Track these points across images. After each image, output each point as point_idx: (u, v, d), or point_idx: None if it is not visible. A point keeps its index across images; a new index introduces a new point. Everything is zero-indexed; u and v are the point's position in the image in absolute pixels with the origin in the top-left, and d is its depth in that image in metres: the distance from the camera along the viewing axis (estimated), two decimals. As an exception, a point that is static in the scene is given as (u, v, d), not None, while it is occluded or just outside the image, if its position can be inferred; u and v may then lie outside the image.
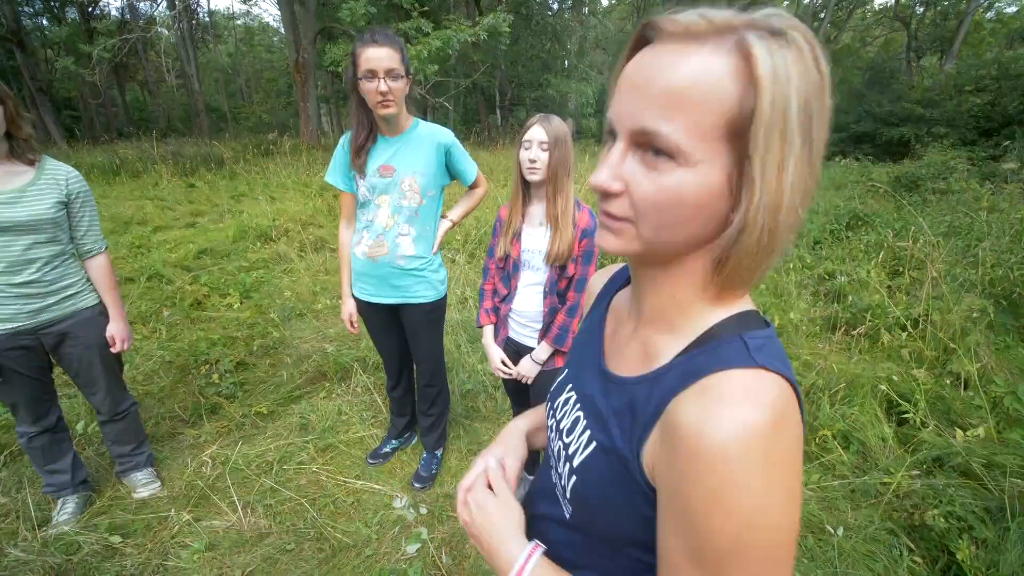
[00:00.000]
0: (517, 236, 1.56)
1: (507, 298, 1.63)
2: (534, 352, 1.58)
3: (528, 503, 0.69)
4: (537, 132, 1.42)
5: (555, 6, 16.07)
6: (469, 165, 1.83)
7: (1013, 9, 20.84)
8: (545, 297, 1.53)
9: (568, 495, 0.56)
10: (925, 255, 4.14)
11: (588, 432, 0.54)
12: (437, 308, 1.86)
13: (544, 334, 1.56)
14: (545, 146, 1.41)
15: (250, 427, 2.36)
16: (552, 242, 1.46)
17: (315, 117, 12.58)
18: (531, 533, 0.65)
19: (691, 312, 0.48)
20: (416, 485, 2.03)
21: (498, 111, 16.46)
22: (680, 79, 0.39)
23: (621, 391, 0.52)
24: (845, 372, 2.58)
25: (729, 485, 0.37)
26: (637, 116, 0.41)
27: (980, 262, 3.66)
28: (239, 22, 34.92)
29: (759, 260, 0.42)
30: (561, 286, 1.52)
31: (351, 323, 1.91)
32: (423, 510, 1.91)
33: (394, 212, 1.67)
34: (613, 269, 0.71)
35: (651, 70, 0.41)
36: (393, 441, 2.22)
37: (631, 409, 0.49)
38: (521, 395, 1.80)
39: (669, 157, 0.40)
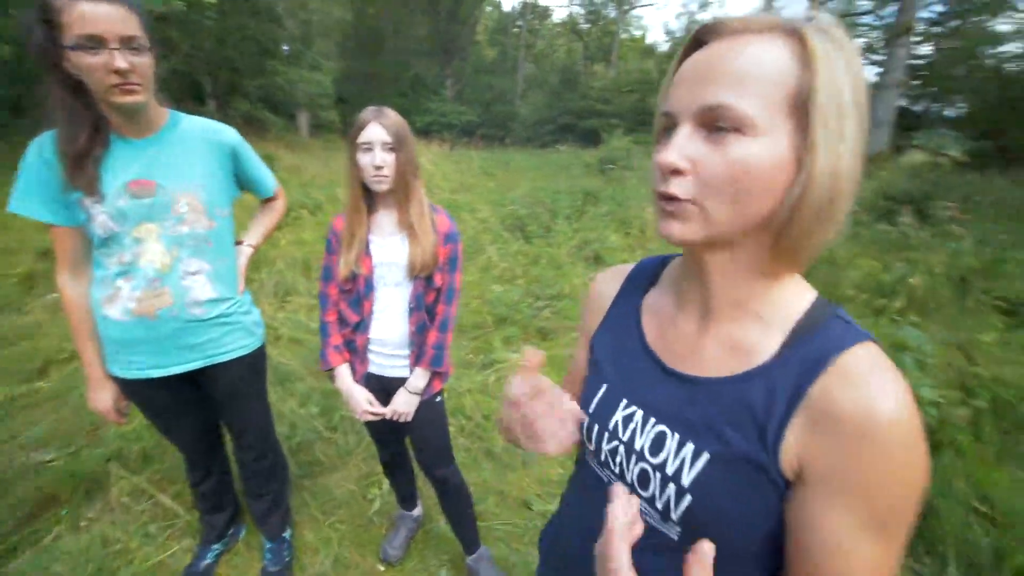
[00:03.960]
0: (366, 251, 1.31)
1: (361, 325, 1.37)
2: (408, 383, 1.37)
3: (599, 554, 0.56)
4: (376, 132, 1.19)
5: (263, -19, 14.06)
6: (265, 172, 1.44)
7: (638, 32, 28.74)
8: (411, 314, 1.34)
9: (677, 516, 0.51)
10: (643, 219, 5.40)
11: (691, 444, 0.50)
12: (259, 359, 1.44)
13: (417, 358, 1.37)
14: (389, 147, 1.20)
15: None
16: (413, 252, 1.27)
17: None
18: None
19: (771, 298, 0.50)
20: (269, 587, 1.57)
21: (211, 100, 13.68)
22: (745, 60, 0.43)
23: (720, 393, 0.50)
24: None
25: (910, 455, 0.42)
26: (702, 96, 0.44)
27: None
28: None
29: (820, 227, 0.44)
30: (429, 299, 1.35)
31: (117, 412, 1.31)
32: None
33: (170, 245, 1.18)
34: (622, 270, 0.67)
35: (714, 59, 0.44)
36: (214, 546, 1.66)
37: (748, 408, 0.47)
38: (392, 434, 1.56)
39: (735, 131, 0.43)
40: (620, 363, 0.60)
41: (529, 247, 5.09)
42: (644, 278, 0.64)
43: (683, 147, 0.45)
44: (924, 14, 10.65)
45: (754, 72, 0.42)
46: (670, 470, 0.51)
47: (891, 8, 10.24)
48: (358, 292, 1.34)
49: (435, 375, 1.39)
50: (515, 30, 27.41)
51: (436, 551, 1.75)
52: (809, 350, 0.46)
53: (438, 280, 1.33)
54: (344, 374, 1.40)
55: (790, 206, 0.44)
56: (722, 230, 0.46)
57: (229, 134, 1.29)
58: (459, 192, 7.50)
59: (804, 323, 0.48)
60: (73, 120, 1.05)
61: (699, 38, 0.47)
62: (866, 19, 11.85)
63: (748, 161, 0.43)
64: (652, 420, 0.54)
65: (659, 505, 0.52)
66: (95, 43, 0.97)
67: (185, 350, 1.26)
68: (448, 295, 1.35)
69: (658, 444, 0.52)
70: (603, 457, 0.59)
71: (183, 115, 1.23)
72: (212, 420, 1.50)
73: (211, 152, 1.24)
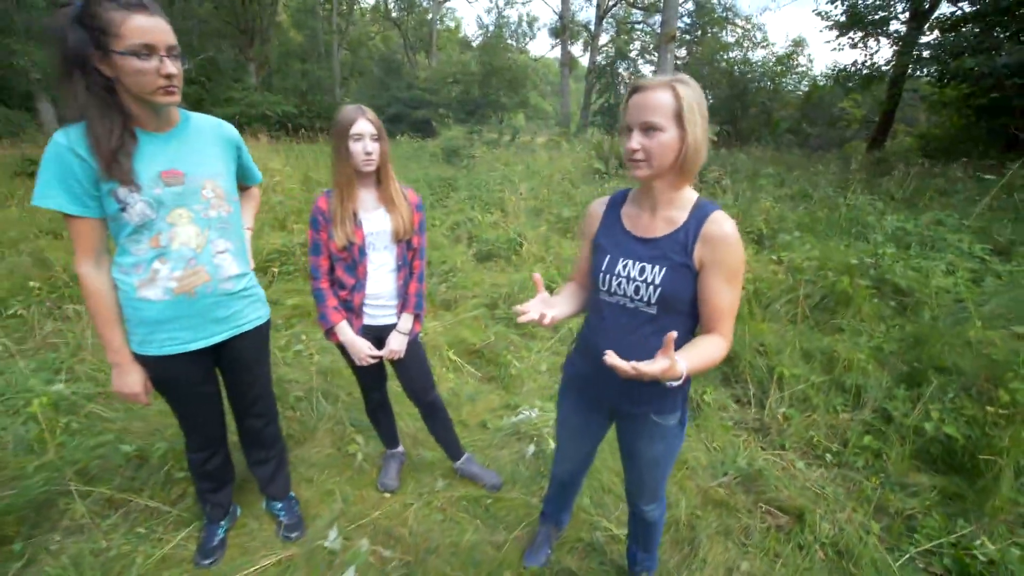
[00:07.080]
0: (357, 223, 1.60)
1: (357, 286, 1.66)
2: (399, 325, 1.72)
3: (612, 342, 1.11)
4: (365, 126, 1.49)
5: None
6: (253, 163, 1.60)
7: (452, 24, 29.48)
8: (399, 271, 1.69)
9: (655, 300, 1.08)
10: (503, 200, 6.08)
11: (657, 266, 1.08)
12: (268, 328, 1.61)
13: (403, 306, 1.72)
14: (375, 136, 1.52)
15: None
16: (395, 221, 1.62)
17: None
18: (638, 345, 1.11)
19: (683, 197, 1.10)
20: (293, 536, 1.76)
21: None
22: (654, 100, 1.00)
23: (664, 242, 1.09)
24: (501, 283, 3.79)
25: (739, 247, 1.04)
26: (641, 118, 1.01)
27: (539, 196, 5.74)
28: None
29: (695, 164, 1.04)
30: (408, 257, 1.71)
31: (146, 394, 1.38)
32: (343, 541, 1.72)
33: (203, 227, 1.33)
34: (604, 199, 1.26)
35: (644, 100, 1.01)
36: (222, 523, 1.75)
37: (679, 243, 1.07)
38: (377, 376, 1.88)
39: (657, 130, 1.00)
40: (614, 242, 1.17)
41: (407, 233, 5.36)
42: (618, 201, 1.22)
43: (637, 140, 1.02)
44: (680, 24, 13.58)
45: (660, 105, 0.99)
46: (649, 279, 1.09)
47: (657, 19, 12.75)
48: (353, 258, 1.63)
49: (416, 317, 1.76)
50: (324, 13, 25.69)
51: (427, 472, 2.12)
52: (699, 214, 1.07)
53: (415, 242, 1.70)
54: (345, 328, 1.68)
55: (682, 158, 1.02)
56: (658, 171, 1.04)
57: (233, 130, 1.45)
58: (317, 189, 7.18)
59: (696, 205, 1.09)
60: (107, 116, 1.15)
61: (634, 88, 1.04)
62: (641, 27, 14.44)
63: (664, 142, 1.00)
64: (636, 262, 1.12)
65: (645, 299, 1.10)
66: (148, 51, 1.11)
67: (217, 323, 1.41)
68: (421, 252, 1.73)
69: (641, 271, 1.10)
70: (612, 290, 1.15)
71: (189, 112, 1.36)
72: (221, 396, 1.62)
73: (223, 145, 1.40)
